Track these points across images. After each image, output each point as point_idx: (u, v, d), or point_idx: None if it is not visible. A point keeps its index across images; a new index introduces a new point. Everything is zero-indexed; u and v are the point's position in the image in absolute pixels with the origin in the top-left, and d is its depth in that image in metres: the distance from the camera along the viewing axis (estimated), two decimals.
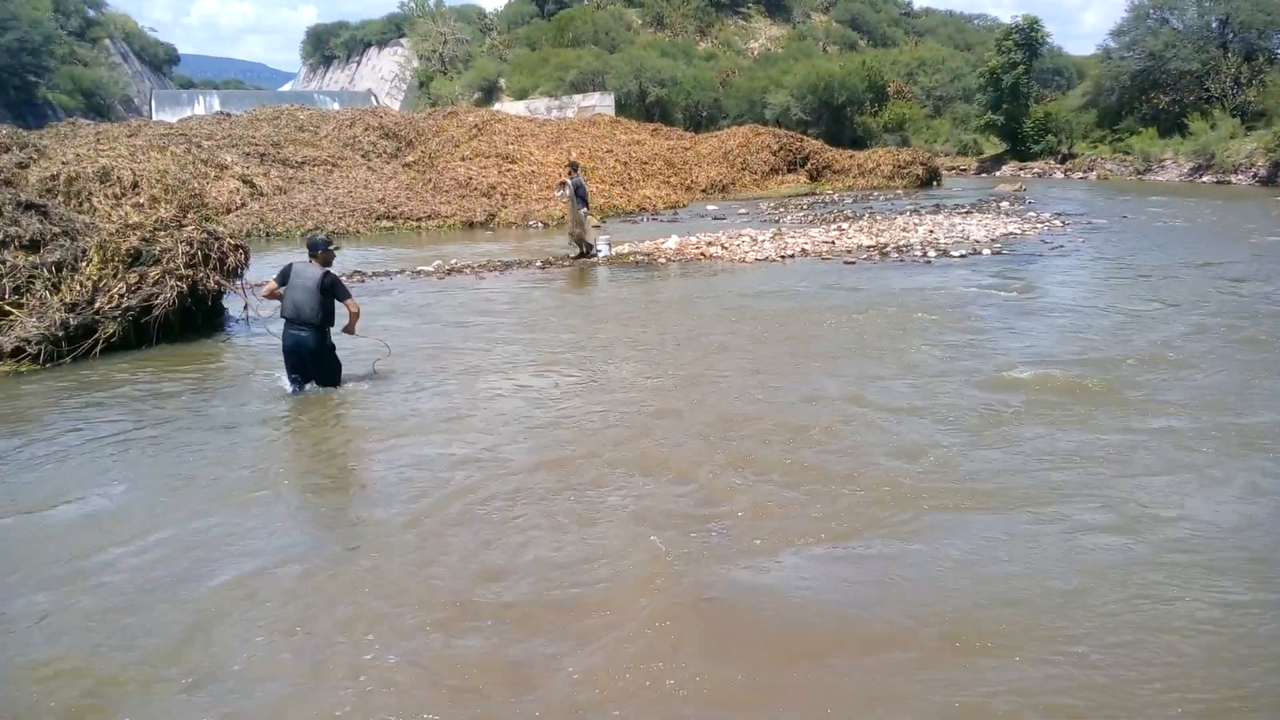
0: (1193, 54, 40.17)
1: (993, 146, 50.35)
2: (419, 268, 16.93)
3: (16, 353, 9.78)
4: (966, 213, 24.67)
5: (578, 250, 18.09)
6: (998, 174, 44.80)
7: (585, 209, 18.14)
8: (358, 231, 23.41)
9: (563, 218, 25.85)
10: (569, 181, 18.04)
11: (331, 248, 8.61)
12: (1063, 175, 42.39)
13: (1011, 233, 20.13)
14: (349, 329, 8.68)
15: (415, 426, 7.68)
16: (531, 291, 14.61)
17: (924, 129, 54.90)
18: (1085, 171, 42.02)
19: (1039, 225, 21.38)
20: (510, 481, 6.38)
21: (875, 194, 33.00)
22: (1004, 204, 26.96)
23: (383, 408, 8.24)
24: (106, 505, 6.17)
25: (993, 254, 17.14)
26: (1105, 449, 6.79)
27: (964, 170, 48.04)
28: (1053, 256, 16.87)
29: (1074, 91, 50.94)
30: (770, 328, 11.15)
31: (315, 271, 8.36)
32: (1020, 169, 45.00)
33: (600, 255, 17.87)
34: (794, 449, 6.89)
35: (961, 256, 16.91)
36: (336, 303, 8.47)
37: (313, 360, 8.56)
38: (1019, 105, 46.89)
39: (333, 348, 8.67)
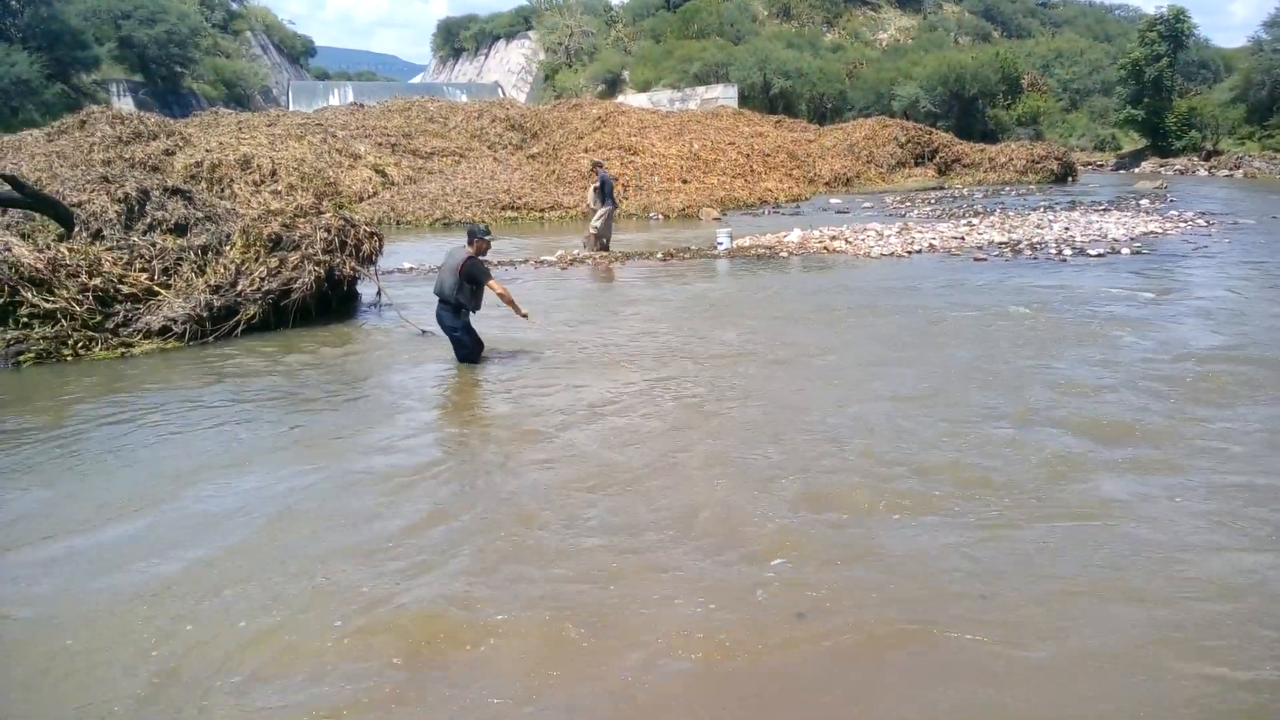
0: None
1: (1132, 142, 48.43)
2: (542, 257, 17.18)
3: (163, 331, 10.27)
4: (1104, 210, 23.77)
5: (593, 247, 17.87)
6: (1137, 170, 43.06)
7: (610, 207, 18.09)
8: (483, 221, 23.86)
9: (684, 209, 25.99)
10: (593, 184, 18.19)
11: (486, 237, 9.06)
12: (1206, 173, 40.40)
13: (1152, 231, 19.31)
14: (515, 311, 9.17)
15: (532, 413, 7.78)
16: (652, 282, 14.65)
17: (1059, 123, 53.11)
18: (1231, 169, 39.94)
19: (1181, 224, 20.44)
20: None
21: (1007, 189, 32.07)
22: (1144, 201, 25.86)
23: (507, 393, 8.38)
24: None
25: (1132, 253, 16.46)
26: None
27: (1101, 166, 46.34)
28: (1196, 257, 16.10)
29: (1221, 86, 48.66)
30: (908, 326, 10.93)
31: (462, 255, 8.91)
32: (1161, 166, 43.15)
33: (721, 248, 17.81)
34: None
35: (1099, 255, 16.29)
36: (484, 290, 9.03)
37: (449, 334, 9.12)
38: (1161, 99, 44.94)
39: (466, 329, 9.11)
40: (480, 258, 8.97)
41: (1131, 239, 18.20)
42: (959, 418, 7.30)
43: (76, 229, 11.56)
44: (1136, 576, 4.78)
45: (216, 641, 4.28)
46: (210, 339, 10.42)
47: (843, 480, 6.10)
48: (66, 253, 10.44)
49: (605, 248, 17.92)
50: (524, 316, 9.23)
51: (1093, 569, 4.87)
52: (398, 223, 23.66)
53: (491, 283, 8.95)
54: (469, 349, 9.16)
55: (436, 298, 9.06)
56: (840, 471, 6.26)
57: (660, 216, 25.58)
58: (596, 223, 18.00)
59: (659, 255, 17.40)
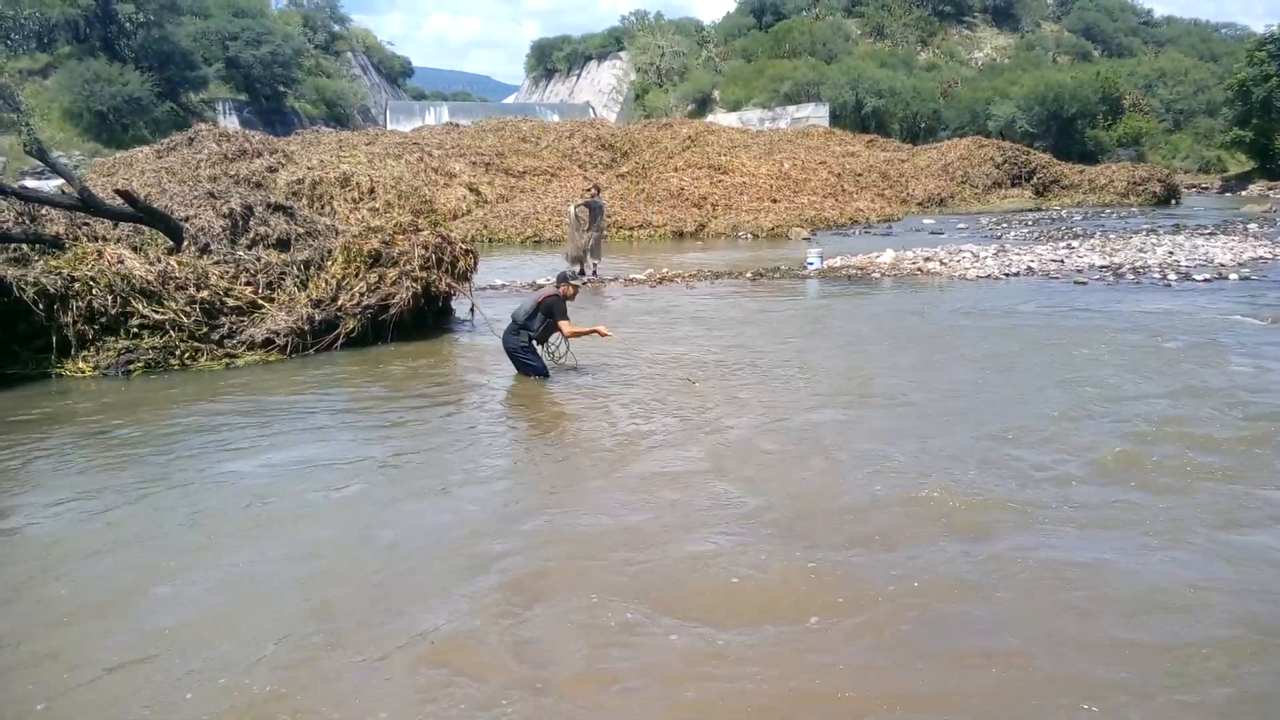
0: None
1: (1239, 164, 46.93)
2: (631, 275, 17.22)
3: (266, 343, 10.53)
4: (1210, 234, 22.93)
5: (582, 269, 17.27)
6: (1244, 193, 41.61)
7: (597, 232, 17.65)
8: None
9: (773, 229, 25.91)
10: (581, 203, 17.97)
11: (573, 281, 9.54)
12: None
13: (1261, 257, 18.55)
14: (595, 334, 9.46)
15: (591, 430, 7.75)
16: (742, 301, 14.55)
17: (1162, 144, 51.75)
18: None
19: None
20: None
21: (1107, 211, 31.28)
22: (1252, 225, 24.92)
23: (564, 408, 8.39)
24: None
25: (1240, 279, 15.85)
26: None
27: (1205, 189, 44.97)
28: None
29: None
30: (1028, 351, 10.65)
31: (547, 290, 9.36)
32: (1269, 188, 41.65)
33: (811, 268, 17.63)
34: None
35: (1205, 280, 15.70)
36: (554, 325, 9.33)
37: (511, 355, 9.34)
38: (1271, 120, 43.49)
39: (527, 352, 9.27)
40: (566, 300, 9.28)
41: (1239, 264, 17.53)
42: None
43: (185, 243, 11.92)
44: None
45: None
46: (311, 351, 10.65)
47: None
48: (176, 266, 10.75)
49: (584, 271, 17.27)
50: (605, 335, 9.47)
51: None
52: (490, 240, 23.99)
53: (563, 324, 9.21)
54: (535, 369, 9.30)
55: (511, 319, 9.33)
56: None
57: (749, 235, 25.52)
58: (577, 249, 17.62)
59: (748, 275, 17.30)
